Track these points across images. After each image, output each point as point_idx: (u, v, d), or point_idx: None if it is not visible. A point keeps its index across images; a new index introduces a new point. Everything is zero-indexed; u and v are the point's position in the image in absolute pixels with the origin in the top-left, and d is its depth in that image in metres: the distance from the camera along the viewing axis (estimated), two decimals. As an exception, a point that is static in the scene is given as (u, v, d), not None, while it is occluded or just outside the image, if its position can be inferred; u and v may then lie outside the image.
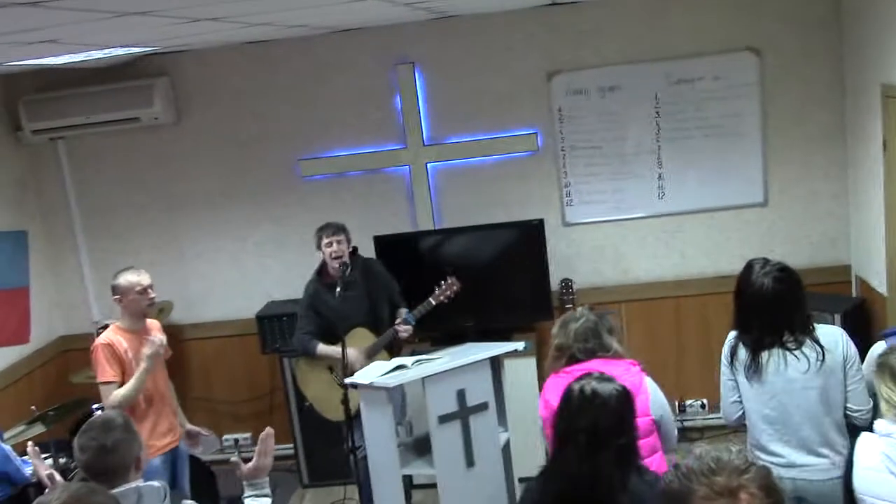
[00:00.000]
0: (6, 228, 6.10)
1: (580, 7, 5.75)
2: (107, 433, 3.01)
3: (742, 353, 3.65)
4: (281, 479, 5.95)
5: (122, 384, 4.59)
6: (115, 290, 4.73)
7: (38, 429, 5.03)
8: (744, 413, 3.71)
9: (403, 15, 4.99)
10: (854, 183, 5.71)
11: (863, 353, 3.74)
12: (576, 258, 6.09)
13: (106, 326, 5.74)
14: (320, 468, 6.07)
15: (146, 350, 4.60)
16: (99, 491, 2.42)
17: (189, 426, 5.06)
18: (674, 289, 6.05)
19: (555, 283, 5.95)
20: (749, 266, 3.69)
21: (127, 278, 4.71)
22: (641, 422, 3.24)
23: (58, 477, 3.68)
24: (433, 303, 5.25)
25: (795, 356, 3.54)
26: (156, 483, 3.06)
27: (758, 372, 3.59)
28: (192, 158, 6.30)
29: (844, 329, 3.86)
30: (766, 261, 3.68)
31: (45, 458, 5.18)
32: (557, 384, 3.50)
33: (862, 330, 5.30)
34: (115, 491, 2.77)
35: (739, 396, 3.69)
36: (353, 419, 5.08)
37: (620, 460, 2.79)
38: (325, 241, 5.21)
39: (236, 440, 6.57)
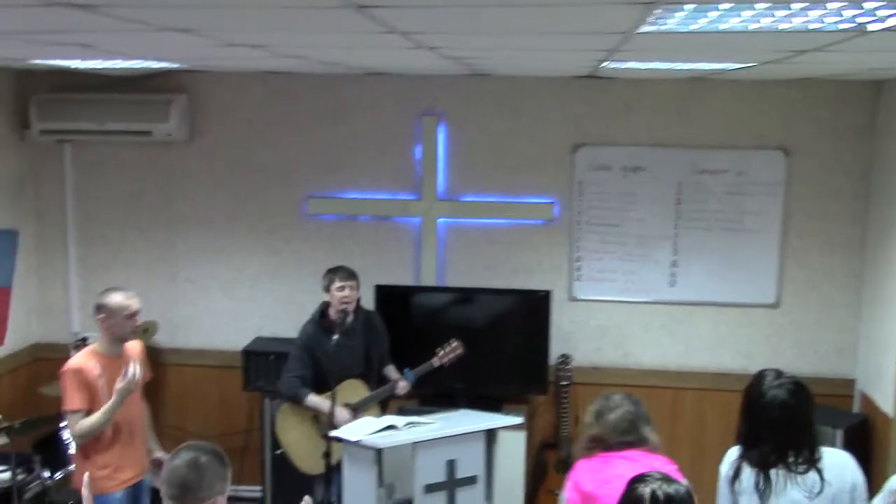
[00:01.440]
0: (-1, 226, 5.90)
1: (616, 83, 5.67)
2: (194, 469, 2.76)
3: (747, 473, 3.38)
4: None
5: (90, 412, 4.23)
6: (102, 308, 4.32)
7: (2, 439, 4.80)
8: None
9: (440, 66, 4.88)
10: (870, 296, 5.60)
11: (865, 475, 3.57)
12: (577, 334, 5.94)
13: (84, 340, 5.53)
14: (286, 517, 5.83)
15: (119, 384, 4.20)
16: None
17: (158, 454, 4.59)
18: (674, 379, 5.89)
19: (552, 358, 5.80)
20: (761, 376, 3.46)
21: (117, 299, 4.31)
22: None
23: None
24: (435, 364, 5.07)
25: (797, 481, 3.32)
26: None
27: (767, 492, 3.33)
28: (199, 180, 6.13)
29: (845, 448, 3.71)
30: (779, 372, 3.47)
31: (3, 472, 4.97)
32: (593, 468, 3.33)
33: (862, 449, 5.14)
34: None
35: None
36: (328, 473, 4.89)
37: None
38: (338, 284, 5.02)
39: (202, 475, 6.30)
